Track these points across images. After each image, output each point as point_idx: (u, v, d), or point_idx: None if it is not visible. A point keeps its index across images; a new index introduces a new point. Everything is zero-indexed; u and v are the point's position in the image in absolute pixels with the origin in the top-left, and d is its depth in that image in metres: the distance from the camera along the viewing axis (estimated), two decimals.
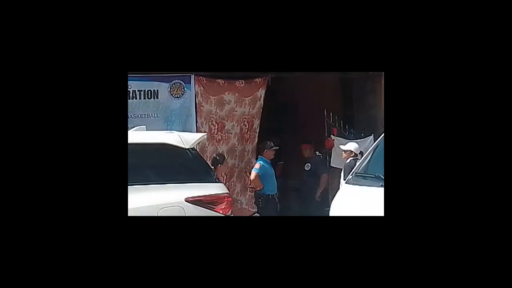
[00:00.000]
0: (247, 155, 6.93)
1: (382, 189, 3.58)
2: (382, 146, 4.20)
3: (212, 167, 5.51)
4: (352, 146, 6.51)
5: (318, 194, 6.80)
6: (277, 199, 6.40)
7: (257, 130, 6.97)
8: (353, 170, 4.51)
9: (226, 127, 6.73)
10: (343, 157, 6.53)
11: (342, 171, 6.37)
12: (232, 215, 4.37)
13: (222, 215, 4.20)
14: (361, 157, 6.41)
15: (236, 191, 6.91)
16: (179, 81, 6.48)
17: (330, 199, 6.25)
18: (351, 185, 4.13)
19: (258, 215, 6.53)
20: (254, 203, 6.69)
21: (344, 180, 6.05)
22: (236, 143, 6.84)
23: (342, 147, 6.58)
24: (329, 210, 5.15)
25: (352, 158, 6.35)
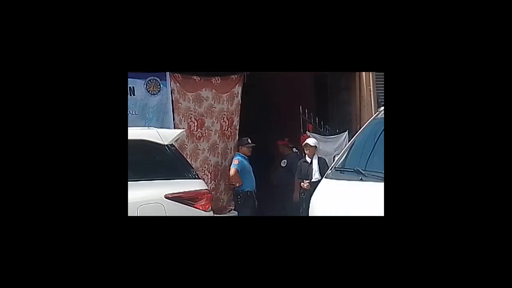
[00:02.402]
0: (230, 152, 6.83)
1: (361, 182, 3.69)
2: (359, 141, 4.28)
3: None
4: None
5: (295, 195, 6.75)
6: (255, 196, 6.43)
7: (238, 127, 6.93)
8: (331, 165, 4.57)
9: (206, 124, 6.66)
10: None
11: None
12: (212, 212, 4.37)
13: (204, 212, 4.19)
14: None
15: (220, 189, 6.84)
16: (154, 77, 6.41)
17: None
18: (330, 180, 4.17)
19: (236, 212, 6.55)
20: (232, 200, 6.70)
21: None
22: (218, 140, 6.78)
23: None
24: (304, 208, 5.19)
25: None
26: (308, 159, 6.48)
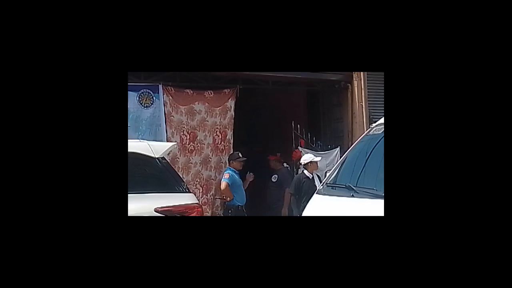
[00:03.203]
0: (224, 166, 6.80)
1: (352, 198, 3.68)
2: (350, 157, 4.27)
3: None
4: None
5: (284, 211, 6.70)
6: (245, 210, 6.40)
7: (231, 141, 6.93)
8: (323, 181, 4.56)
9: (198, 137, 6.66)
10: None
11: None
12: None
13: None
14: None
15: (216, 205, 6.81)
16: (147, 90, 6.41)
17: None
18: (322, 195, 4.16)
19: None
20: (223, 214, 6.66)
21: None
22: (210, 154, 6.78)
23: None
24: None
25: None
26: (309, 175, 6.46)
